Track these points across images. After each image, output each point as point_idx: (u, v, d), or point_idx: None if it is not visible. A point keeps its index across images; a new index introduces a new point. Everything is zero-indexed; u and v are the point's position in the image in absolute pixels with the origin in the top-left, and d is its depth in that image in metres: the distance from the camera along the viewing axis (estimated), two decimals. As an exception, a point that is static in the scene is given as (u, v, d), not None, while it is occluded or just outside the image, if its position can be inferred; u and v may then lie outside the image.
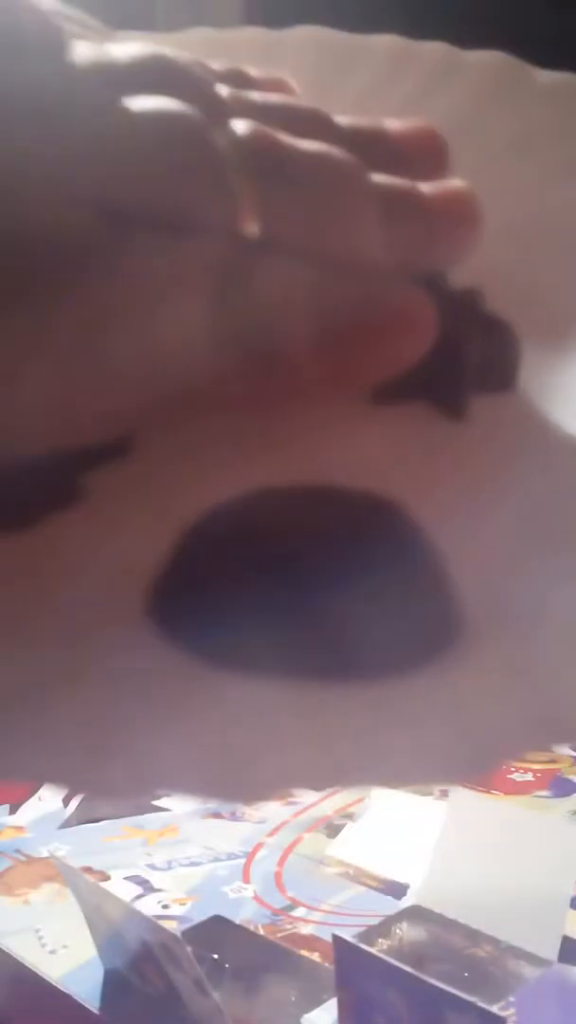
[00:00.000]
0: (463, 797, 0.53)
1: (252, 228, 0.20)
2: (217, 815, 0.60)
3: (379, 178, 0.21)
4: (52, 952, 0.45)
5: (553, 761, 0.67)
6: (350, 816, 0.57)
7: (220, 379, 0.19)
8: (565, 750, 0.69)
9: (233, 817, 0.59)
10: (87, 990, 0.42)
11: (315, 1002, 0.41)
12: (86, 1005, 0.42)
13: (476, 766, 0.17)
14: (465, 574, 0.20)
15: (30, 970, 0.44)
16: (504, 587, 0.20)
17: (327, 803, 0.60)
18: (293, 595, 0.19)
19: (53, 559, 0.20)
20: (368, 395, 0.22)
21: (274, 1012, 0.40)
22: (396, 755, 0.17)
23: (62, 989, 0.42)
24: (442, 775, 0.17)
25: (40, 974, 0.43)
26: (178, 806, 0.61)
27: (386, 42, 0.28)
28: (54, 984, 0.43)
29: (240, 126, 0.20)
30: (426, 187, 0.22)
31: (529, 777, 0.64)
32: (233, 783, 0.17)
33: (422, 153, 0.23)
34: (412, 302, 0.21)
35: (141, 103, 0.19)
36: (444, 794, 0.58)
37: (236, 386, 0.20)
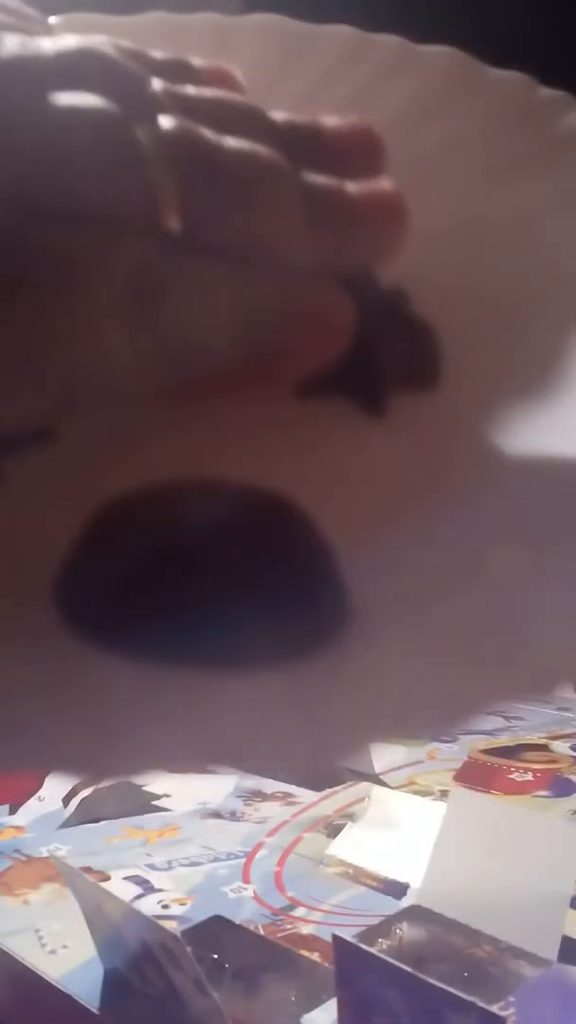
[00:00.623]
0: (463, 797, 0.53)
1: (173, 225, 0.20)
2: (217, 815, 0.60)
3: (307, 177, 0.21)
4: (52, 952, 0.45)
5: (553, 761, 0.67)
6: (350, 816, 0.57)
7: (137, 373, 0.20)
8: (565, 750, 0.69)
9: (233, 817, 0.59)
10: (87, 990, 0.42)
11: (315, 1002, 0.41)
12: (86, 1005, 0.42)
13: (356, 747, 0.18)
14: (362, 566, 0.21)
15: (30, 970, 0.44)
16: (400, 581, 0.21)
17: (327, 803, 0.60)
18: (187, 584, 0.20)
19: None
20: (288, 392, 0.23)
21: (274, 1012, 0.40)
22: (278, 737, 0.18)
23: (62, 989, 0.42)
24: (323, 759, 0.18)
25: (40, 974, 0.43)
26: (178, 806, 0.61)
27: (341, 33, 0.27)
28: (54, 984, 0.43)
29: (165, 122, 0.20)
30: (353, 187, 0.22)
31: (529, 777, 0.64)
32: (98, 758, 0.17)
33: (357, 151, 0.23)
34: (330, 302, 0.21)
35: (64, 99, 0.19)
36: (444, 794, 0.58)
37: (153, 380, 0.20)
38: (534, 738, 0.72)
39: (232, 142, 0.20)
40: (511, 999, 0.39)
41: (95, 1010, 0.41)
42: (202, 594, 0.20)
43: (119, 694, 0.19)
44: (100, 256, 0.19)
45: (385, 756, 0.67)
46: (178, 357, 0.20)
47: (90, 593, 0.20)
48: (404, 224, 0.22)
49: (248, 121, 0.21)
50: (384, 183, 0.22)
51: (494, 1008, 0.32)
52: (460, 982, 0.41)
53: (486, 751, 0.69)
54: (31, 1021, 0.45)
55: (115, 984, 0.42)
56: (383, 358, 0.23)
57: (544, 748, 0.69)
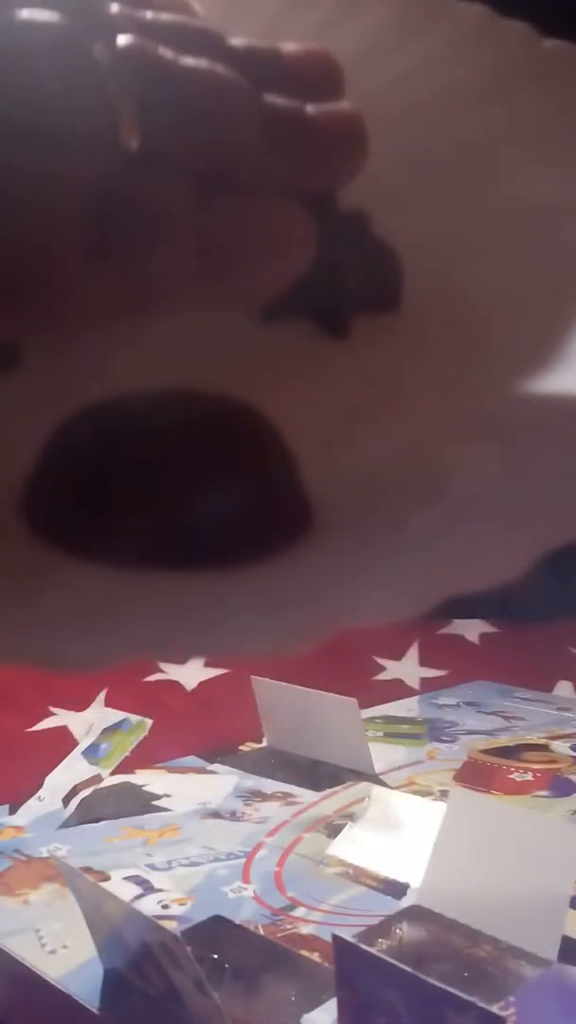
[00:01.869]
0: (463, 797, 0.53)
1: (131, 142, 0.20)
2: (217, 815, 0.60)
3: (266, 98, 0.22)
4: (52, 952, 0.45)
5: (553, 761, 0.67)
6: (350, 816, 0.57)
7: (98, 289, 0.20)
8: (565, 750, 0.69)
9: (233, 817, 0.59)
10: (87, 990, 0.42)
11: (315, 1002, 0.41)
12: (86, 1005, 0.42)
13: (313, 636, 0.19)
14: (323, 475, 0.22)
15: (30, 970, 0.44)
16: (361, 489, 0.22)
17: (327, 803, 0.60)
18: (150, 489, 0.21)
19: None
20: (252, 312, 0.23)
21: (274, 1012, 0.40)
22: (240, 630, 0.19)
23: (62, 989, 0.42)
24: (282, 646, 0.18)
25: (40, 974, 0.43)
26: (178, 806, 0.61)
27: None
28: (54, 984, 0.43)
29: (123, 40, 0.20)
30: (313, 109, 0.22)
31: (529, 777, 0.64)
32: (66, 653, 0.18)
33: (315, 75, 0.23)
34: (291, 219, 0.21)
35: (22, 14, 0.20)
36: (444, 794, 0.58)
37: (114, 297, 0.20)
38: (534, 738, 0.72)
39: (190, 60, 0.21)
40: (511, 999, 0.39)
41: (95, 1010, 0.41)
42: (165, 498, 0.21)
43: (87, 596, 0.19)
44: (58, 171, 0.19)
45: (385, 756, 0.67)
46: (138, 273, 0.20)
47: (56, 500, 0.21)
48: (364, 146, 0.23)
49: (206, 44, 0.22)
50: (344, 104, 0.23)
51: (494, 1008, 0.32)
52: (460, 982, 0.41)
53: (486, 751, 0.69)
54: (31, 1021, 0.45)
55: (115, 984, 0.42)
56: (345, 280, 0.24)
57: (544, 748, 0.69)
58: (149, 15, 0.22)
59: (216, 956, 0.44)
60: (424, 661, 0.92)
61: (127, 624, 0.19)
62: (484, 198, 0.25)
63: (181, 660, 0.73)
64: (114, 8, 0.21)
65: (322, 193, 0.23)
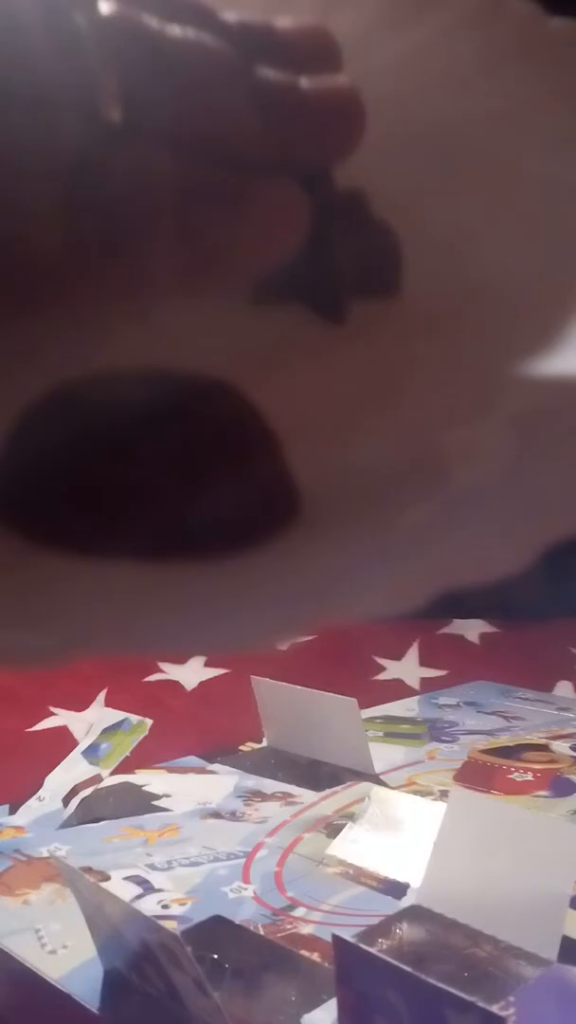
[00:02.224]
0: (463, 797, 0.53)
1: (112, 114, 0.19)
2: (217, 815, 0.60)
3: (257, 71, 0.21)
4: (52, 952, 0.45)
5: (553, 761, 0.67)
6: (350, 816, 0.57)
7: (79, 265, 0.19)
8: (565, 750, 0.69)
9: (233, 817, 0.59)
10: (87, 990, 0.42)
11: (315, 1002, 0.40)
12: (86, 1005, 0.42)
13: (299, 631, 0.18)
14: (315, 463, 0.21)
15: (30, 970, 0.44)
16: (355, 479, 0.21)
17: (327, 803, 0.60)
18: (127, 473, 0.20)
19: None
20: (243, 295, 0.22)
21: (274, 1012, 0.40)
22: (235, 619, 0.18)
23: (62, 989, 0.42)
24: (276, 636, 0.18)
25: (40, 974, 0.43)
26: (178, 806, 0.61)
27: None
28: (54, 984, 0.43)
29: (105, 7, 0.20)
30: (307, 82, 0.22)
31: (529, 777, 0.64)
32: (34, 645, 0.17)
33: (310, 51, 0.22)
34: (282, 196, 0.21)
35: None
36: (444, 794, 0.58)
37: (97, 273, 0.20)
38: (534, 738, 0.72)
39: (176, 30, 0.20)
40: (511, 999, 0.39)
41: (95, 1010, 0.41)
42: (143, 484, 0.20)
43: (58, 587, 0.19)
44: (38, 140, 0.19)
45: (385, 756, 0.67)
46: (122, 249, 0.20)
47: (22, 486, 0.20)
48: (359, 121, 0.22)
49: (195, 16, 0.21)
50: (340, 79, 0.22)
51: (494, 1008, 0.32)
52: (460, 982, 0.41)
53: (486, 751, 0.69)
54: (31, 1021, 0.45)
55: (115, 984, 0.42)
56: (341, 262, 0.23)
57: (544, 748, 0.69)
58: None
59: (216, 956, 0.44)
60: (424, 661, 0.92)
61: (95, 616, 0.18)
62: (486, 179, 0.25)
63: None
64: None
65: (316, 170, 0.22)
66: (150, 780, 0.65)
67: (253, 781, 0.64)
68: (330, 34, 0.23)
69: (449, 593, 0.18)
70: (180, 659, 0.89)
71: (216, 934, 0.46)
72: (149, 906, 0.48)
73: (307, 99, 0.22)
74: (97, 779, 0.62)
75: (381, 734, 0.73)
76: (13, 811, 0.61)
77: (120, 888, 0.50)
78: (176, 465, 0.20)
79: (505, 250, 0.24)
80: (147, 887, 0.51)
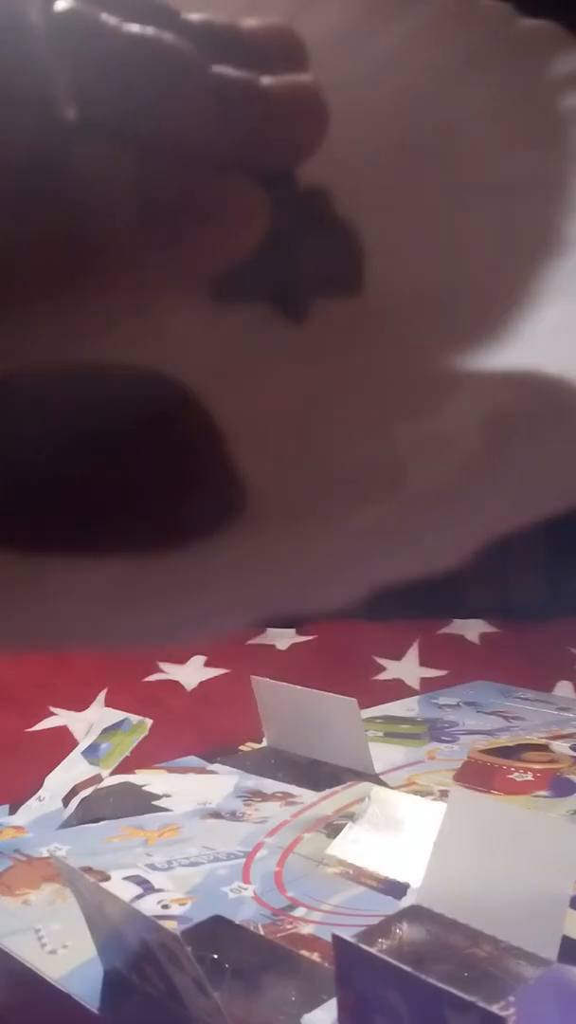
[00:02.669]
0: (463, 797, 0.53)
1: (66, 112, 0.19)
2: (217, 815, 0.60)
3: (218, 69, 0.21)
4: (52, 952, 0.45)
5: (553, 761, 0.67)
6: (350, 816, 0.57)
7: (35, 259, 0.19)
8: (565, 750, 0.69)
9: (233, 817, 0.59)
10: (87, 990, 0.42)
11: (315, 1002, 0.41)
12: (86, 1005, 0.42)
13: (247, 617, 0.18)
14: (270, 459, 0.21)
15: (30, 970, 0.44)
16: (310, 479, 0.21)
17: (327, 803, 0.60)
18: (60, 470, 0.19)
19: None
20: (203, 292, 0.22)
21: (274, 1012, 0.40)
22: (174, 611, 0.18)
23: (62, 989, 0.42)
24: (221, 631, 0.18)
25: (40, 974, 0.43)
26: (178, 806, 0.61)
27: None
28: (54, 984, 0.43)
29: (61, 4, 0.20)
30: (268, 81, 0.22)
31: (529, 777, 0.64)
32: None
33: (274, 51, 0.22)
34: (240, 193, 0.21)
35: None
36: (444, 794, 0.58)
37: (52, 266, 0.19)
38: (534, 738, 0.72)
39: (134, 28, 0.20)
40: (511, 999, 0.39)
41: (95, 1010, 0.41)
42: (78, 478, 0.20)
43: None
44: None
45: (385, 756, 0.67)
46: (78, 244, 0.20)
47: None
48: (321, 120, 0.22)
49: (155, 14, 0.21)
50: (302, 77, 0.22)
51: (494, 1008, 0.32)
52: (460, 982, 0.41)
53: (486, 751, 0.69)
54: (31, 1021, 0.45)
55: (115, 984, 0.42)
56: (303, 261, 0.23)
57: (544, 748, 0.69)
58: None
59: (216, 956, 0.44)
60: (424, 661, 0.92)
61: (32, 611, 0.18)
62: (449, 179, 0.25)
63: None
64: None
65: (278, 169, 0.22)
66: (150, 780, 0.65)
67: (253, 781, 0.65)
68: (296, 34, 0.23)
69: (386, 587, 0.18)
70: (178, 659, 0.89)
71: (216, 934, 0.46)
72: (149, 906, 0.48)
73: (268, 98, 0.21)
74: (97, 779, 0.62)
75: (381, 734, 0.73)
76: (13, 811, 0.61)
77: (120, 888, 0.50)
78: (111, 458, 0.20)
79: (463, 249, 0.24)
80: (147, 887, 0.51)
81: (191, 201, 0.20)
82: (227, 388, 0.21)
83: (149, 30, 0.20)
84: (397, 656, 0.93)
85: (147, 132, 0.20)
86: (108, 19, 0.20)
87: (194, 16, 0.22)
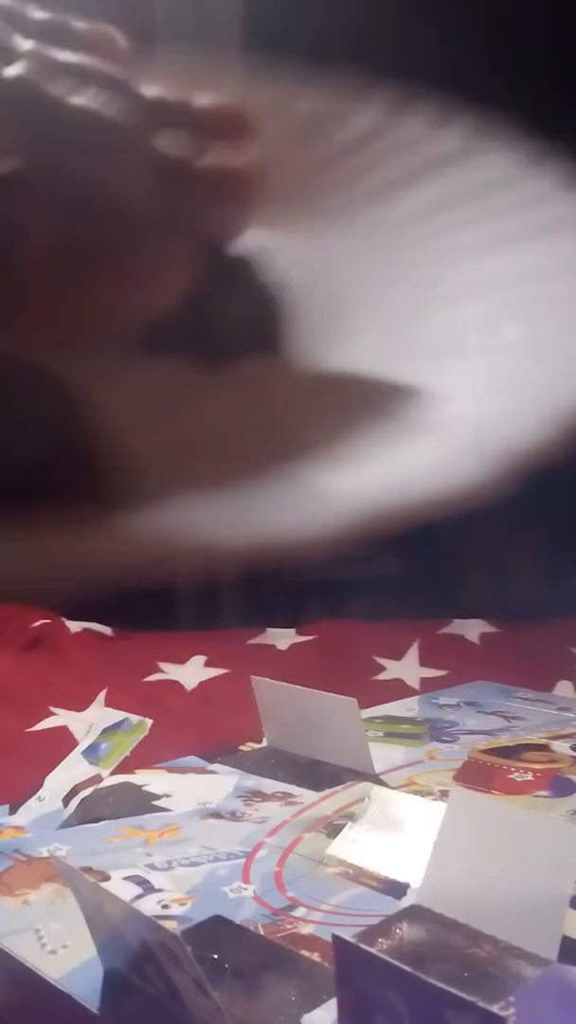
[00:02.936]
0: (463, 797, 0.53)
1: (3, 165, 0.20)
2: (217, 815, 0.60)
3: (160, 144, 0.22)
4: (52, 952, 0.45)
5: (553, 761, 0.67)
6: (350, 816, 0.57)
7: None
8: (565, 750, 0.69)
9: (233, 817, 0.59)
10: (87, 990, 0.42)
11: (315, 1002, 0.40)
12: (86, 1005, 0.42)
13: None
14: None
15: (30, 970, 0.44)
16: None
17: (327, 803, 0.60)
18: None
19: None
20: (129, 343, 0.23)
21: (274, 1012, 0.40)
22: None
23: (62, 989, 0.42)
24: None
25: (40, 974, 0.43)
26: (178, 806, 0.61)
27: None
28: (54, 984, 0.43)
29: (13, 71, 0.20)
30: (204, 160, 0.22)
31: (529, 777, 0.64)
32: None
33: (223, 127, 0.23)
34: (168, 256, 0.21)
35: None
36: (444, 794, 0.58)
37: None
38: (534, 738, 0.72)
39: (80, 100, 0.21)
40: (511, 999, 0.39)
41: (95, 1010, 0.41)
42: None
43: None
44: None
45: (385, 756, 0.67)
46: (12, 286, 0.20)
47: None
48: (249, 199, 0.23)
49: (110, 85, 0.22)
50: (238, 159, 0.23)
51: (494, 1008, 0.32)
52: (460, 982, 0.41)
53: (486, 751, 0.69)
54: (31, 1021, 0.45)
55: (115, 984, 0.42)
56: (225, 320, 0.24)
57: (544, 748, 0.69)
58: (60, 55, 0.22)
59: (216, 956, 0.44)
60: (424, 661, 0.92)
61: None
62: (376, 257, 0.25)
63: None
64: (27, 44, 0.21)
65: (207, 235, 0.23)
66: (150, 780, 0.65)
67: (253, 781, 0.65)
68: (243, 112, 0.24)
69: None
70: (178, 659, 0.89)
71: (216, 934, 0.46)
72: (149, 906, 0.48)
73: (200, 178, 0.22)
74: (97, 779, 0.62)
75: (381, 734, 0.73)
76: (13, 811, 0.61)
77: (120, 888, 0.50)
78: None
79: (383, 316, 0.25)
80: (147, 887, 0.51)
81: (121, 260, 0.21)
82: (152, 428, 0.22)
83: (93, 103, 0.21)
84: (397, 656, 0.93)
85: (78, 195, 0.20)
86: (55, 90, 0.20)
87: (149, 90, 0.23)
